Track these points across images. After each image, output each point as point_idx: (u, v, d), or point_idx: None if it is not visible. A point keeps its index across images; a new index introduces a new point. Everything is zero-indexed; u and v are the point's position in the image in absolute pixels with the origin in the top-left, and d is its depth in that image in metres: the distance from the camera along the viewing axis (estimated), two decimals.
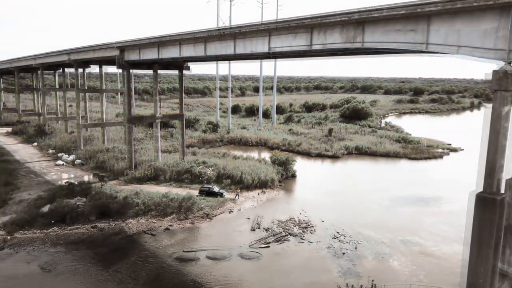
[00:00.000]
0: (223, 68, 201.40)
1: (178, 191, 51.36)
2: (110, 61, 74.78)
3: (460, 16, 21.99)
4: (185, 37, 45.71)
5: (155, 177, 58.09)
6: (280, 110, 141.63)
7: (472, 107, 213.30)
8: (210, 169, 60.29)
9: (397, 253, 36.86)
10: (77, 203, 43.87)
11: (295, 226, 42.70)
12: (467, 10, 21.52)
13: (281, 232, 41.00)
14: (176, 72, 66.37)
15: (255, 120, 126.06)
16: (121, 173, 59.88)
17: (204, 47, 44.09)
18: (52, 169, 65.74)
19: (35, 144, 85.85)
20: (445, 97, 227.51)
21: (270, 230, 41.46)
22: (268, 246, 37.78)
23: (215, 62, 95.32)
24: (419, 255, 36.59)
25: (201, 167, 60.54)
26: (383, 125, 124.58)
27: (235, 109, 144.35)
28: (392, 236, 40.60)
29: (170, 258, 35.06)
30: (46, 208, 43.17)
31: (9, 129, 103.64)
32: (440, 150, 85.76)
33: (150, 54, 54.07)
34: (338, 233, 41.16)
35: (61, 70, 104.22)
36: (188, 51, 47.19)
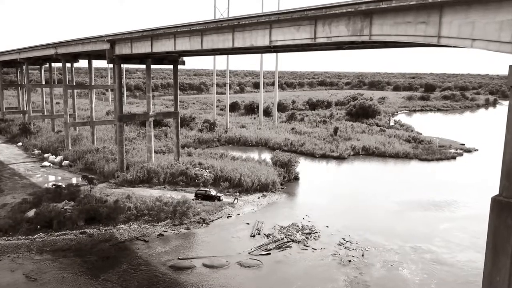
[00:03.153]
0: (221, 62, 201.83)
1: (173, 195, 51.42)
2: (100, 55, 74.92)
3: (475, 7, 21.96)
4: (180, 29, 45.71)
5: (147, 179, 58.13)
6: (282, 107, 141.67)
7: (487, 104, 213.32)
8: (207, 171, 60.33)
9: (407, 261, 36.87)
10: (65, 207, 43.88)
11: (298, 232, 42.71)
12: (482, 1, 21.50)
13: (283, 239, 41.02)
14: (171, 67, 66.44)
15: (255, 118, 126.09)
16: (111, 175, 59.94)
17: (201, 40, 44.09)
18: (37, 170, 65.79)
19: (20, 144, 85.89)
20: (458, 93, 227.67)
21: (271, 236, 41.48)
22: (269, 254, 37.80)
23: (212, 56, 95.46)
24: (430, 263, 36.60)
25: (197, 168, 60.56)
26: (392, 123, 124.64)
27: (234, 107, 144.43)
28: (401, 243, 40.62)
29: (164, 266, 35.09)
30: (31, 213, 43.19)
31: None
32: (453, 151, 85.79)
33: (143, 48, 54.08)
34: (344, 239, 41.19)
35: (47, 65, 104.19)
36: (183, 44, 47.20)
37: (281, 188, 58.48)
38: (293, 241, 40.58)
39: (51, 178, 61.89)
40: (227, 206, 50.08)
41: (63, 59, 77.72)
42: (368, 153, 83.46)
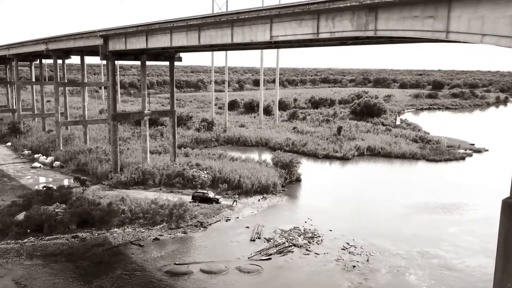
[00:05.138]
0: (219, 59, 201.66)
1: (169, 197, 51.40)
2: (92, 51, 74.92)
3: (485, 1, 21.96)
4: (177, 24, 45.71)
5: (143, 181, 58.15)
6: (283, 105, 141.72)
7: (497, 102, 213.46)
8: (205, 172, 60.35)
9: (414, 266, 36.89)
10: (56, 210, 43.89)
11: (299, 236, 42.74)
12: None
13: (284, 243, 41.04)
14: (167, 63, 66.41)
15: (255, 117, 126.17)
16: (104, 177, 59.95)
17: (198, 35, 44.10)
18: (28, 172, 65.82)
19: (9, 144, 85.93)
20: (467, 91, 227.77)
21: (271, 241, 41.50)
22: (270, 259, 37.82)
23: (210, 52, 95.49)
24: (438, 268, 36.62)
25: (194, 170, 60.58)
26: (398, 122, 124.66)
27: (233, 105, 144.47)
28: (408, 247, 40.64)
29: (159, 272, 35.10)
30: (21, 216, 43.19)
31: None
32: (462, 151, 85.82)
33: (138, 44, 54.07)
34: (348, 243, 41.20)
35: (38, 62, 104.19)
36: (180, 39, 47.21)
37: (282, 190, 58.49)
38: (294, 245, 40.59)
39: (42, 179, 61.90)
40: (225, 209, 50.09)
41: (54, 55, 77.72)
42: (373, 153, 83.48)
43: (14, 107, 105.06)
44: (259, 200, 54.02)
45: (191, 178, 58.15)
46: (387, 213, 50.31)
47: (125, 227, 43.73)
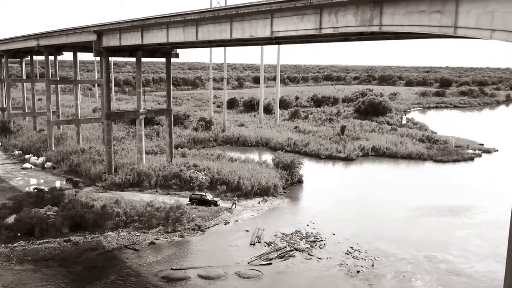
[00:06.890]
0: (218, 55, 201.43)
1: (165, 199, 51.47)
2: (86, 47, 75.01)
3: None
4: (173, 19, 45.77)
5: (138, 182, 58.19)
6: (284, 104, 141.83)
7: (508, 101, 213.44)
8: (202, 173, 60.39)
9: (421, 271, 36.90)
10: (48, 213, 43.90)
11: (301, 240, 42.76)
12: None
13: (285, 247, 41.06)
14: (163, 60, 66.60)
15: (255, 116, 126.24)
16: (98, 178, 59.98)
17: (196, 30, 44.15)
18: (18, 173, 65.85)
19: None
20: (476, 89, 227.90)
21: (272, 245, 41.52)
22: (270, 263, 37.84)
23: (208, 48, 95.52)
24: (446, 274, 36.62)
25: (191, 171, 60.62)
26: (404, 122, 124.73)
27: (232, 103, 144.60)
28: (415, 252, 40.66)
29: (155, 277, 35.11)
30: (11, 219, 43.24)
31: None
32: (470, 151, 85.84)
33: (132, 39, 54.12)
34: (351, 248, 41.22)
35: (28, 58, 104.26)
36: (176, 35, 47.27)
37: (284, 192, 58.53)
38: (296, 249, 40.62)
39: (33, 181, 61.92)
40: (224, 211, 50.11)
41: (46, 51, 77.77)
42: (378, 153, 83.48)
43: (4, 106, 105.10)
44: (259, 203, 54.04)
45: (188, 180, 58.17)
46: (393, 216, 50.33)
47: (120, 231, 43.75)
